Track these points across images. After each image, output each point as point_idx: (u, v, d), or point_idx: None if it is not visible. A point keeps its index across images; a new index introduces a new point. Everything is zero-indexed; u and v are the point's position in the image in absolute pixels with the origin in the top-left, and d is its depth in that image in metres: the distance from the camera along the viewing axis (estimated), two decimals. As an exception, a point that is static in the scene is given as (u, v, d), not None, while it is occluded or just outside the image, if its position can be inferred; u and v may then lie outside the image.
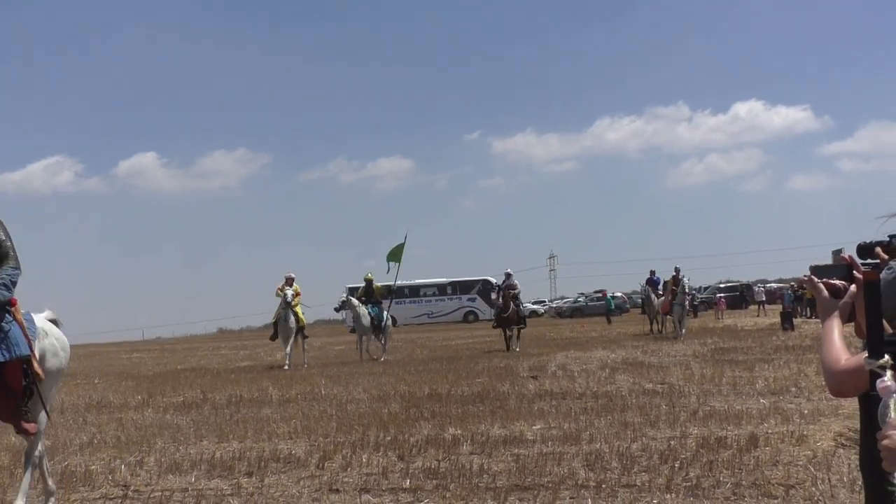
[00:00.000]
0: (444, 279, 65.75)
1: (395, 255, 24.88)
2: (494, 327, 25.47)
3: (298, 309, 21.76)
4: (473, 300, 63.68)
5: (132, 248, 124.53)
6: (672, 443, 8.07)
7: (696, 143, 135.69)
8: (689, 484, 6.47)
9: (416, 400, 12.33)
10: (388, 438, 8.98)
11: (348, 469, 7.64)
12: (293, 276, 22.02)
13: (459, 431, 9.25)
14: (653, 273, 30.78)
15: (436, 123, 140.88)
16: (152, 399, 14.33)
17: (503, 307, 24.09)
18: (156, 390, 15.71)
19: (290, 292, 21.32)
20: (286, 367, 20.29)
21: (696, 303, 47.99)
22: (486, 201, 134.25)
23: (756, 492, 6.17)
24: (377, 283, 24.38)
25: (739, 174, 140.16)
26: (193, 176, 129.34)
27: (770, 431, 8.46)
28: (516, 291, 24.82)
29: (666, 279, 29.50)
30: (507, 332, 24.06)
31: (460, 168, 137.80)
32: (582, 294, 74.26)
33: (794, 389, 11.68)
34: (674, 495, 6.19)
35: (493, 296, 28.33)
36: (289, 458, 8.19)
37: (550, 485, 6.65)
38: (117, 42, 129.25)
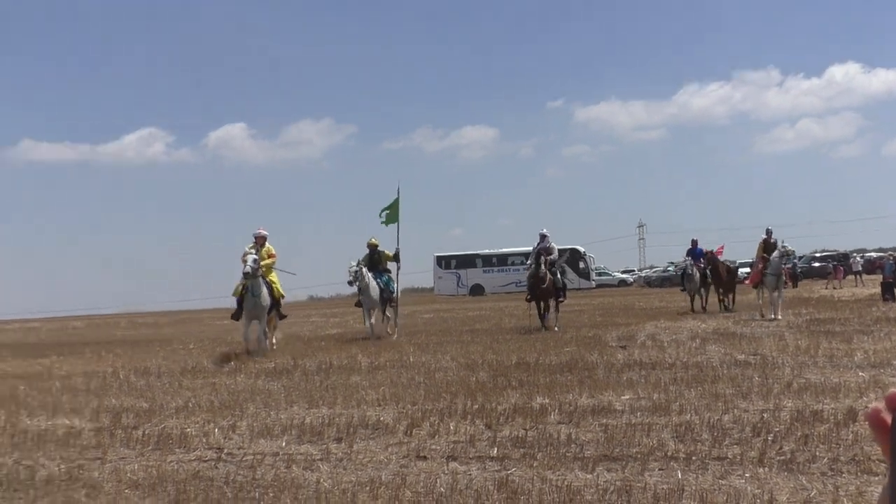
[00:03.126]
0: (532, 247, 65.39)
1: (392, 214, 21.28)
2: (528, 300, 21.07)
3: (274, 277, 17.21)
4: (561, 268, 63.34)
5: (222, 217, 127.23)
6: (765, 415, 7.89)
7: (788, 108, 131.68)
8: (783, 458, 6.32)
9: (503, 368, 12.32)
10: (476, 407, 8.98)
11: (436, 436, 7.67)
12: (265, 233, 17.17)
13: (547, 400, 9.21)
14: (695, 243, 27.18)
15: (520, 91, 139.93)
16: (244, 365, 14.61)
17: (540, 276, 20.12)
18: (248, 356, 16.00)
19: (251, 259, 16.01)
20: (250, 352, 16.19)
21: (798, 271, 45.40)
22: (570, 169, 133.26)
23: (855, 468, 5.99)
24: (384, 250, 20.61)
25: (835, 140, 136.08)
26: (280, 146, 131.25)
27: (870, 406, 8.18)
28: (553, 256, 20.98)
29: (709, 249, 26.88)
30: (544, 305, 20.38)
31: (544, 136, 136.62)
32: (672, 263, 73.16)
33: (895, 362, 11.30)
34: (767, 469, 6.05)
35: (528, 262, 22.81)
36: (377, 425, 8.27)
37: (639, 455, 6.57)
38: (207, 17, 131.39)
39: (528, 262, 22.51)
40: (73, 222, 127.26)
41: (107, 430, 8.63)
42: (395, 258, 20.78)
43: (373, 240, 20.55)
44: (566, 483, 5.89)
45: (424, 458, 6.90)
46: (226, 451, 7.49)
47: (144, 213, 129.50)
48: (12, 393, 12.13)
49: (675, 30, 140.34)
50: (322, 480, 6.24)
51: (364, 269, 19.20)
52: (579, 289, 59.05)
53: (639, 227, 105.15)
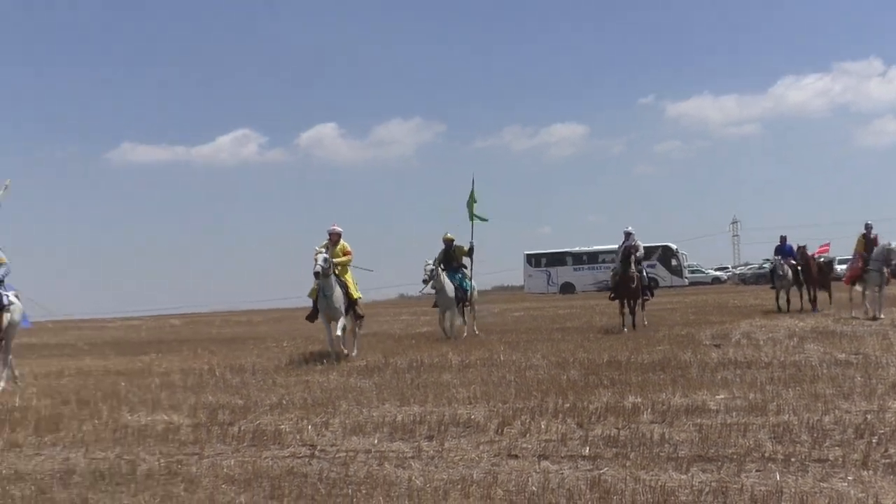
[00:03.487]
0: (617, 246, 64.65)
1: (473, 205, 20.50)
2: (611, 299, 20.29)
3: (349, 276, 16.00)
4: (653, 266, 62.45)
5: (313, 215, 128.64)
6: (868, 417, 7.63)
7: (891, 99, 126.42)
8: (888, 461, 6.11)
9: (595, 367, 12.20)
10: (567, 405, 8.92)
11: (527, 435, 7.64)
12: (339, 229, 15.89)
13: (640, 399, 9.09)
14: (783, 239, 25.99)
15: (609, 87, 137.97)
16: (337, 363, 14.78)
17: (629, 276, 19.26)
18: (339, 354, 16.15)
19: (321, 258, 14.93)
20: (327, 359, 15.00)
21: None
22: (661, 166, 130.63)
23: (965, 471, 5.75)
24: (460, 244, 19.80)
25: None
26: (370, 145, 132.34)
27: None
28: (640, 254, 20.16)
29: (801, 245, 25.31)
30: (629, 305, 19.54)
31: (635, 132, 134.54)
32: (767, 260, 71.53)
33: None
34: (871, 472, 5.85)
35: (614, 261, 22.31)
36: (468, 423, 8.27)
37: (735, 456, 6.43)
38: (298, 20, 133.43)
39: (615, 262, 21.84)
40: (171, 222, 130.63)
41: (204, 427, 8.83)
42: (470, 253, 20.08)
43: (448, 234, 19.83)
44: (660, 483, 5.79)
45: (516, 456, 6.88)
46: (319, 447, 7.58)
47: (237, 212, 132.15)
48: (114, 389, 12.51)
49: (771, 20, 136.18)
50: (414, 478, 6.27)
51: (439, 269, 18.45)
52: (672, 286, 58.22)
53: (732, 223, 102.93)
